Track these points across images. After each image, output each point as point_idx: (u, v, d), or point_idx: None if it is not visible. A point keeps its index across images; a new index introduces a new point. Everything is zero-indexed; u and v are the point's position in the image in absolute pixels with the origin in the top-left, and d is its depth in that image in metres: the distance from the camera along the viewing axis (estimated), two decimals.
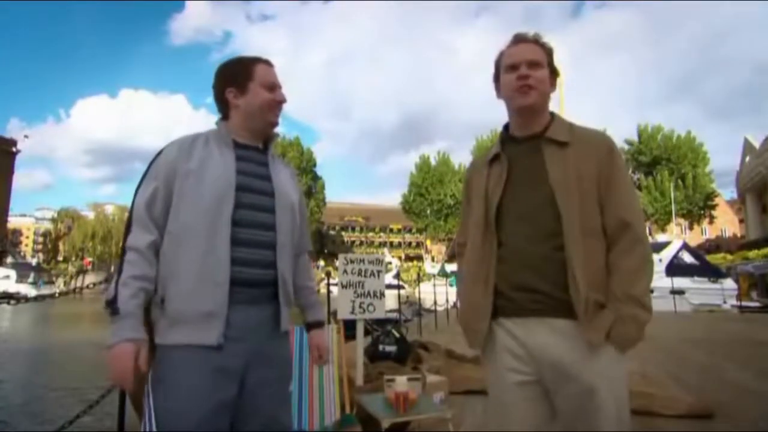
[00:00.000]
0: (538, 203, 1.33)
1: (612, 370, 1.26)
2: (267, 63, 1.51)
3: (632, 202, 1.33)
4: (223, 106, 1.50)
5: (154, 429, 1.22)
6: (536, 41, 1.42)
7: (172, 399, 1.24)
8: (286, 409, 1.50)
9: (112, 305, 1.22)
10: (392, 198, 61.72)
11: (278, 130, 1.57)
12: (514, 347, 1.34)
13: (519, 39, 1.43)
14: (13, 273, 37.23)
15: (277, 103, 1.49)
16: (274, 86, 1.49)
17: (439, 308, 12.06)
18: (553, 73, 1.43)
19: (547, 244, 1.30)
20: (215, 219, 1.33)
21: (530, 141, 1.40)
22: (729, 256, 30.04)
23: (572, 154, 1.33)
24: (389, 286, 5.49)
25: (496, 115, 1.48)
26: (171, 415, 1.23)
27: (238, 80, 1.46)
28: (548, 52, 1.42)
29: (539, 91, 1.38)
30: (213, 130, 1.49)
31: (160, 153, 1.41)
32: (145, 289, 1.27)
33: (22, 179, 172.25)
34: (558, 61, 1.45)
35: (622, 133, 50.00)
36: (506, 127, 1.49)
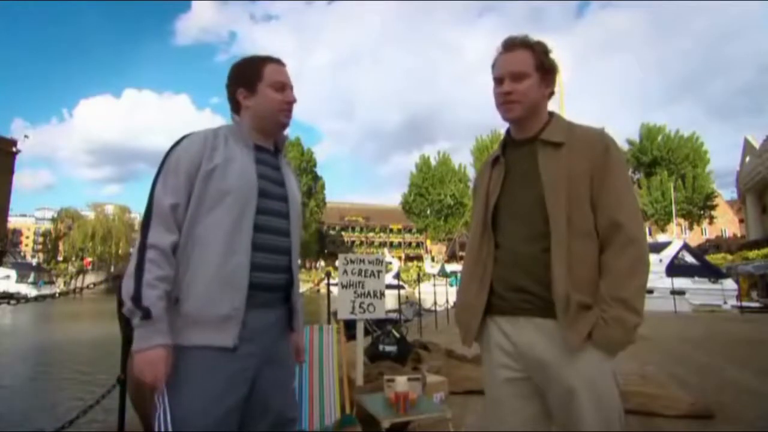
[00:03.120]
0: (530, 204, 1.34)
1: (593, 371, 1.24)
2: (278, 62, 1.49)
3: (626, 201, 1.29)
4: (235, 107, 1.48)
5: (170, 428, 1.22)
6: (524, 45, 1.39)
7: (188, 399, 1.24)
8: (294, 406, 1.53)
9: (139, 306, 1.19)
10: (394, 198, 61.67)
11: (286, 131, 1.57)
12: (505, 344, 1.36)
13: (506, 47, 1.41)
14: (13, 273, 37.27)
15: (287, 104, 1.47)
16: (283, 86, 1.46)
17: (439, 308, 12.07)
18: (547, 72, 1.40)
19: (537, 245, 1.31)
20: (238, 224, 1.32)
21: (528, 143, 1.42)
22: (729, 257, 30.05)
23: (566, 154, 1.33)
24: (389, 286, 5.49)
25: (498, 115, 1.48)
26: (187, 415, 1.23)
27: (248, 81, 1.45)
28: (538, 53, 1.38)
29: (523, 105, 1.38)
30: (231, 127, 1.46)
31: (178, 144, 1.37)
32: (167, 291, 1.25)
33: (24, 179, 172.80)
34: (556, 57, 1.43)
35: (624, 133, 50.03)
36: (509, 130, 1.50)
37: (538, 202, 1.32)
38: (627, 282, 1.23)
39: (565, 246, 1.26)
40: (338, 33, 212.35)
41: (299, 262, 1.67)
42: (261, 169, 1.42)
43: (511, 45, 1.40)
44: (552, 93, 1.45)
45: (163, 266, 1.25)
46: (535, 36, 1.42)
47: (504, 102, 1.39)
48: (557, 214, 1.28)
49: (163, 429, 1.23)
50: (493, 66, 1.44)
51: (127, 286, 1.22)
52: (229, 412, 1.27)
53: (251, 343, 1.32)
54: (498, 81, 1.41)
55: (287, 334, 1.48)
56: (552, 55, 1.41)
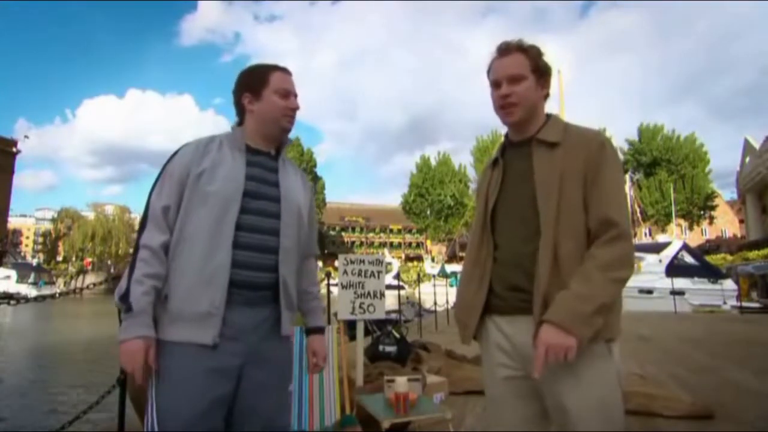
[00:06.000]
0: (524, 204, 1.35)
1: (585, 366, 1.24)
2: (284, 71, 1.55)
3: (618, 199, 1.29)
4: (240, 111, 1.54)
5: (155, 424, 1.27)
6: (519, 48, 1.41)
7: (168, 395, 1.29)
8: (284, 412, 1.52)
9: (125, 301, 1.27)
10: (394, 199, 61.45)
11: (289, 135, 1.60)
12: (503, 343, 1.37)
13: (501, 51, 1.42)
14: (13, 273, 37.25)
15: (290, 110, 1.53)
16: (288, 93, 1.52)
17: (439, 309, 12.06)
18: (542, 74, 1.41)
19: (533, 245, 1.31)
20: (220, 223, 1.37)
21: (525, 145, 1.43)
22: (729, 257, 30.01)
23: (561, 153, 1.33)
24: (389, 287, 5.49)
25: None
26: (167, 410, 1.27)
27: (254, 86, 1.51)
28: (533, 56, 1.40)
29: (522, 107, 1.39)
30: (228, 134, 1.53)
31: (175, 153, 1.45)
32: (156, 287, 1.32)
33: (27, 180, 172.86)
34: (556, 58, 1.45)
35: (626, 133, 50.01)
36: (507, 133, 1.51)
37: (532, 201, 1.33)
38: (607, 271, 1.21)
39: (551, 246, 1.27)
40: (342, 33, 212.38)
41: (310, 261, 1.68)
42: (252, 171, 1.47)
43: (506, 49, 1.42)
44: (547, 95, 1.47)
45: (152, 264, 1.32)
46: (539, 37, 1.44)
47: (503, 105, 1.40)
48: (548, 213, 1.29)
49: (149, 421, 1.28)
50: (489, 71, 1.45)
51: (121, 284, 1.31)
52: (211, 409, 1.29)
53: (235, 342, 1.35)
54: (495, 85, 1.42)
55: (279, 336, 1.46)
56: (545, 58, 1.42)
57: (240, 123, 1.55)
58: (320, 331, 1.69)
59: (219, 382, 1.31)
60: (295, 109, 1.55)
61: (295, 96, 1.55)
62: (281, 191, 1.51)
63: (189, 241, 1.36)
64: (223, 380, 1.32)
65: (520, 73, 1.38)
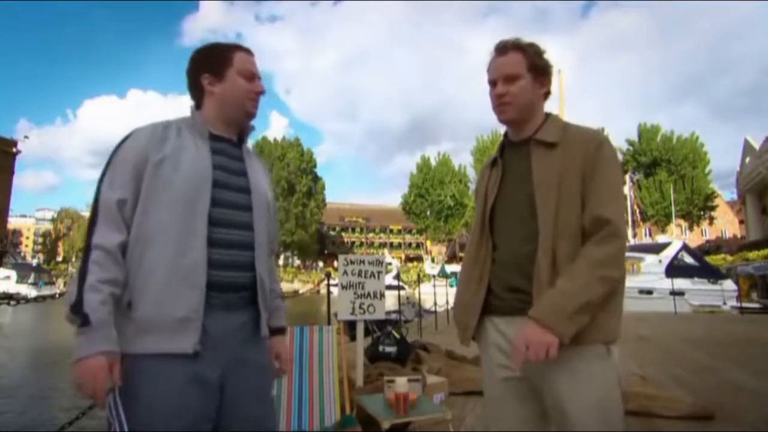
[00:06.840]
0: (523, 205, 1.35)
1: (584, 368, 1.24)
2: (247, 51, 1.43)
3: (614, 198, 1.28)
4: (197, 94, 1.40)
5: None
6: (516, 47, 1.40)
7: (146, 413, 1.14)
8: (269, 416, 1.44)
9: (77, 312, 1.08)
10: (394, 199, 61.42)
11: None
12: (502, 343, 1.37)
13: (498, 50, 1.43)
14: (13, 274, 37.19)
15: (255, 94, 1.41)
16: (253, 75, 1.40)
17: (439, 309, 12.06)
18: (540, 73, 1.41)
19: (531, 245, 1.31)
20: (190, 217, 1.22)
21: (523, 144, 1.43)
22: (729, 257, 30.02)
23: (559, 154, 1.33)
24: (389, 287, 5.49)
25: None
26: (147, 430, 1.13)
27: (215, 66, 1.37)
28: (530, 55, 1.40)
29: (515, 106, 1.39)
30: (186, 119, 1.38)
31: (126, 138, 1.28)
32: (114, 294, 1.15)
33: (27, 180, 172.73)
34: (554, 57, 1.45)
35: (626, 133, 50.05)
36: (506, 132, 1.51)
37: (531, 202, 1.33)
38: (596, 269, 1.20)
39: (549, 247, 1.27)
40: (343, 33, 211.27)
41: (271, 258, 1.56)
42: (218, 160, 1.33)
43: (503, 48, 1.42)
44: (548, 93, 1.46)
45: (108, 268, 1.14)
46: (540, 37, 1.43)
47: (498, 104, 1.41)
48: (545, 214, 1.29)
49: None
50: (488, 70, 1.45)
51: (70, 291, 1.12)
52: (194, 425, 1.17)
53: (214, 350, 1.22)
54: (492, 84, 1.43)
55: (258, 338, 1.37)
56: (546, 56, 1.42)
57: (198, 107, 1.40)
58: (283, 331, 1.56)
59: (201, 396, 1.18)
60: (260, 92, 1.42)
61: (260, 79, 1.43)
62: (250, 182, 1.39)
63: (153, 238, 1.20)
64: (206, 393, 1.19)
65: (515, 72, 1.38)
